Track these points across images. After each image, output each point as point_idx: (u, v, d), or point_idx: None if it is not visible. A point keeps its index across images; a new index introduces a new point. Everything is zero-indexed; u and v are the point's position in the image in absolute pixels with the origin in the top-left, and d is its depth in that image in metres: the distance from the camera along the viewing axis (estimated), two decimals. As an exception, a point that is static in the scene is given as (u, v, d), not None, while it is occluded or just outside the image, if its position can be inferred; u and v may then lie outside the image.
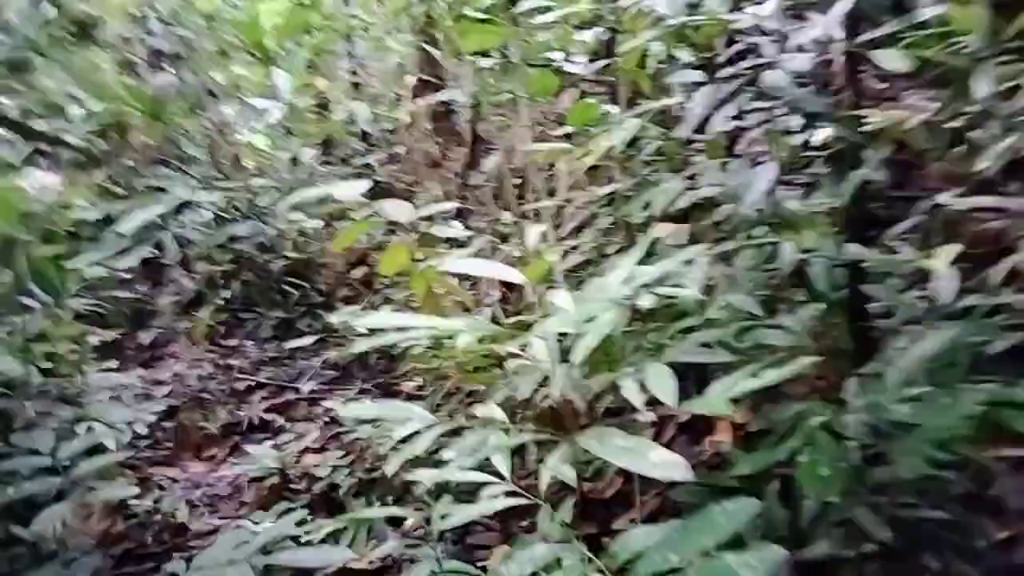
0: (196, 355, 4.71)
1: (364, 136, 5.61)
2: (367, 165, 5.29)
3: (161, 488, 3.04)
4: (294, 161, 5.16)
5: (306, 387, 3.37)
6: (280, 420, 3.52)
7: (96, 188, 4.81)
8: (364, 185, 1.77)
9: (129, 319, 4.97)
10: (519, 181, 2.80)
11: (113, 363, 3.57)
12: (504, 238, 2.78)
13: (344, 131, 5.55)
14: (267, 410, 3.57)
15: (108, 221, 4.43)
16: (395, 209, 1.79)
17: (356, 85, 5.87)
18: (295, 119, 5.42)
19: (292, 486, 2.54)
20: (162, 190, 4.20)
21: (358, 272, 4.17)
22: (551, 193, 2.42)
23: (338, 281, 4.24)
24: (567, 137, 2.35)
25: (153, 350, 5.04)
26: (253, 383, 3.89)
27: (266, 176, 5.12)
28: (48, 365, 2.75)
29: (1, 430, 2.73)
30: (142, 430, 3.10)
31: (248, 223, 4.34)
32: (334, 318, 4.17)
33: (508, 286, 2.50)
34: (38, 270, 3.06)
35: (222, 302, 4.95)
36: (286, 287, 4.52)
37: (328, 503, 2.49)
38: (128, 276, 4.62)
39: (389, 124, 5.65)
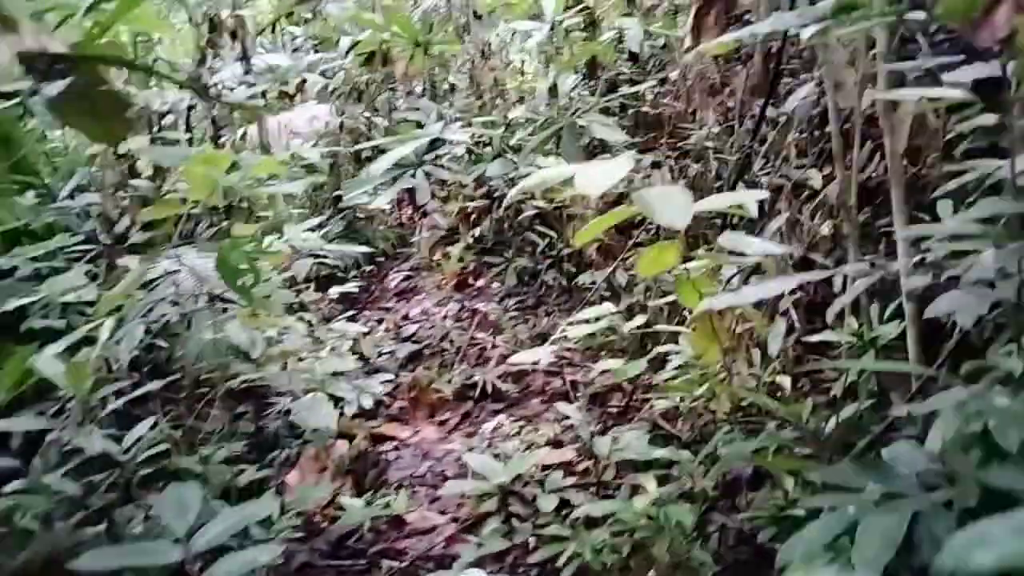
0: (443, 296, 4.59)
1: (633, 58, 4.93)
2: (635, 95, 4.63)
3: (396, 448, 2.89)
4: (552, 90, 4.64)
5: (544, 363, 2.95)
6: (514, 390, 3.17)
7: (362, 119, 4.78)
8: (609, 182, 1.19)
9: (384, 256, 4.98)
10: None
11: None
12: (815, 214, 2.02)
13: (612, 52, 4.89)
14: (502, 376, 3.23)
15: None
16: (664, 200, 1.19)
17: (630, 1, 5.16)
18: (559, 41, 4.89)
19: (515, 511, 2.10)
20: (419, 124, 3.96)
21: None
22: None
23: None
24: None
25: (405, 285, 5.04)
26: (491, 342, 3.59)
27: (525, 105, 4.71)
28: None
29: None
30: (378, 389, 2.91)
31: (499, 161, 3.97)
32: (583, 277, 3.72)
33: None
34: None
35: (471, 241, 4.75)
36: (534, 235, 4.12)
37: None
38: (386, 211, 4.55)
39: (663, 43, 4.91)
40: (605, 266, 3.57)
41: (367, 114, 4.69)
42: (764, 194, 2.05)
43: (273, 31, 5.99)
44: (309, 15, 6.01)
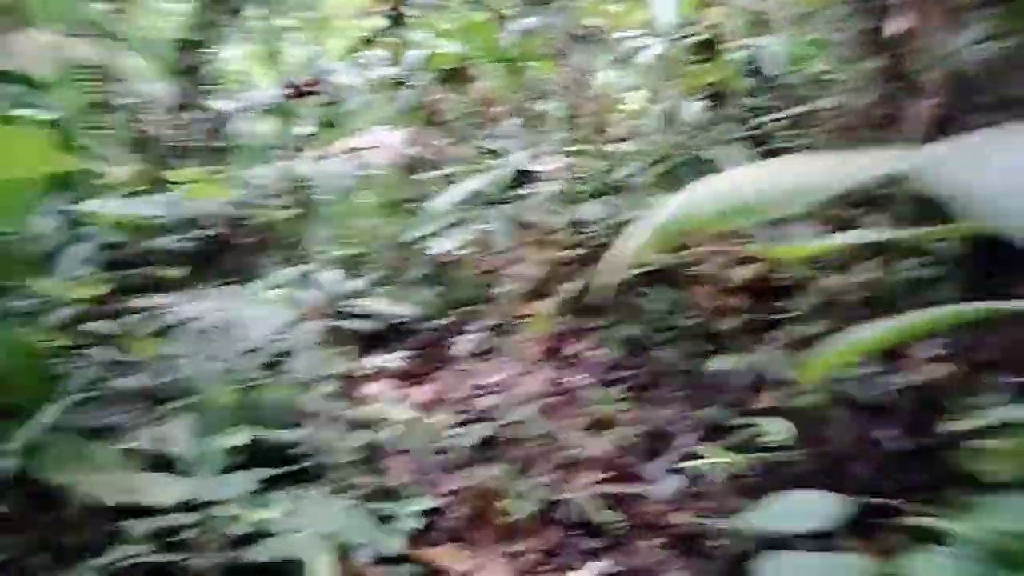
0: (528, 364, 3.74)
1: (765, 82, 4.02)
2: (764, 126, 3.72)
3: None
4: (668, 119, 3.78)
5: (665, 488, 2.02)
6: (618, 522, 2.26)
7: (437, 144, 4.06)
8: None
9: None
10: None
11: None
12: None
13: (739, 76, 4.00)
14: (601, 497, 2.33)
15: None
16: None
17: (762, 17, 4.28)
18: (675, 61, 4.04)
19: None
20: (494, 153, 3.18)
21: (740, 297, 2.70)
22: None
23: (720, 306, 2.81)
24: None
25: (483, 345, 4.23)
26: (585, 441, 2.69)
27: (633, 138, 3.88)
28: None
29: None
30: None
31: (599, 202, 3.14)
32: (717, 361, 2.77)
33: None
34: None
35: (564, 299, 3.90)
36: (646, 297, 3.24)
37: None
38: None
39: (805, 68, 3.99)
40: (743, 343, 2.65)
41: (445, 141, 3.96)
42: None
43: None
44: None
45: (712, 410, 2.48)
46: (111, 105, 3.09)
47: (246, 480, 1.78)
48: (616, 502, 2.30)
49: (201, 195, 2.37)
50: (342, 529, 1.77)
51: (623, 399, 2.98)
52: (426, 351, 4.68)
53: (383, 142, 4.22)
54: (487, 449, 3.04)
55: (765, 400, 2.17)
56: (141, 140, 3.25)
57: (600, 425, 2.82)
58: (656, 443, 2.52)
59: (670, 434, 2.55)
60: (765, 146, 3.83)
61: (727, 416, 2.21)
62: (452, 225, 3.27)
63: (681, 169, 3.05)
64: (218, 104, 3.69)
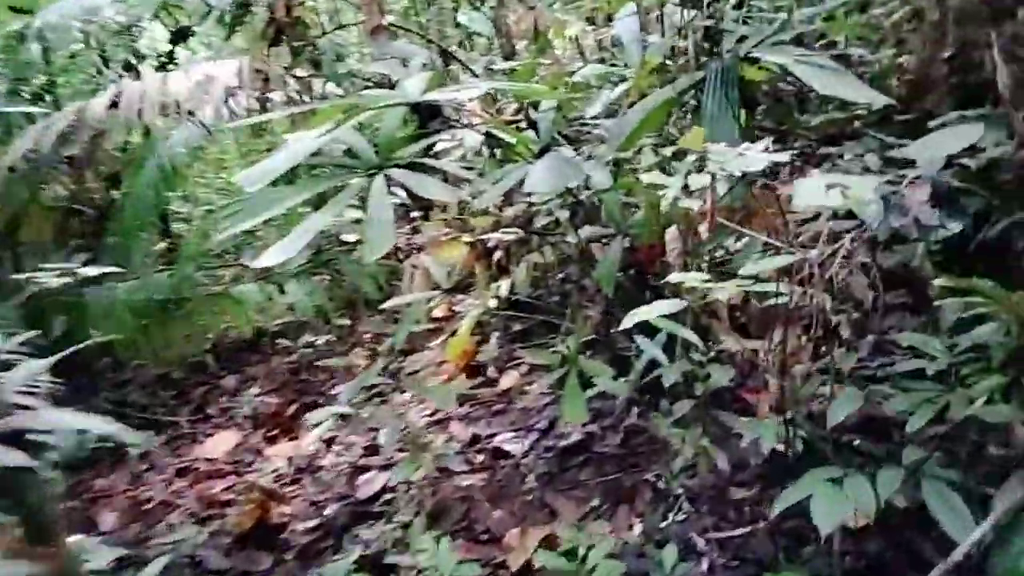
0: (438, 404, 2.44)
1: None
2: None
3: None
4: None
5: None
6: None
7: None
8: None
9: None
10: None
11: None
12: None
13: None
14: None
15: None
16: None
17: None
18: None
19: None
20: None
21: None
22: None
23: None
24: None
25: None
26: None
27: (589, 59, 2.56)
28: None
29: None
30: None
31: (553, 159, 1.83)
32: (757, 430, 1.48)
33: None
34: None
35: (497, 302, 2.62)
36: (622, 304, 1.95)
37: None
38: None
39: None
40: (766, 403, 1.41)
41: (298, 70, 2.54)
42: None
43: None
44: None
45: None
46: None
47: None
48: None
49: None
50: None
51: (582, 464, 1.75)
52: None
53: (213, 76, 2.75)
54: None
55: None
56: None
57: (540, 521, 1.58)
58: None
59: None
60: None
61: None
62: (302, 205, 1.90)
63: (701, 89, 1.74)
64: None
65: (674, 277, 1.18)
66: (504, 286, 2.65)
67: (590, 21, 3.72)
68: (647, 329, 1.99)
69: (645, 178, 1.33)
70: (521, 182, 1.88)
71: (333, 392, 3.06)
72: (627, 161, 2.16)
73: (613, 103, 2.20)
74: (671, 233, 1.62)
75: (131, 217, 3.89)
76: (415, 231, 3.26)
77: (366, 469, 2.38)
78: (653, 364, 1.70)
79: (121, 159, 4.09)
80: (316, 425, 1.99)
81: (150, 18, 4.11)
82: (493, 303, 2.64)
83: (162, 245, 4.72)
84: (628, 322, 1.23)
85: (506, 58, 3.33)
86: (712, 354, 1.56)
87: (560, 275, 2.70)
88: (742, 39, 1.66)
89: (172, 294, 3.71)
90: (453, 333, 2.95)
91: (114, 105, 2.65)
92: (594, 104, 2.21)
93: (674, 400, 1.66)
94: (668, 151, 1.57)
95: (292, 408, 3.14)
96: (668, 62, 1.96)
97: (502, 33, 3.33)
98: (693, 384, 1.56)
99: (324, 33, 2.61)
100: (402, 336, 2.21)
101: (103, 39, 4.08)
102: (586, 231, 2.19)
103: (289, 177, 1.93)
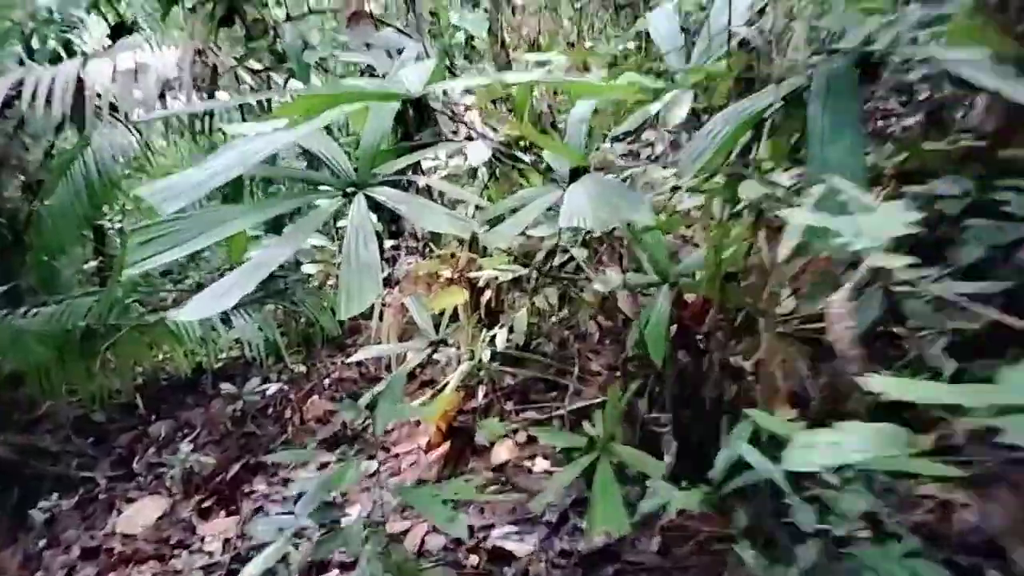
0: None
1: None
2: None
3: None
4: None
5: None
6: None
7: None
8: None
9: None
10: None
11: None
12: None
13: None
14: None
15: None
16: None
17: None
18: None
19: None
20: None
21: None
22: None
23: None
24: None
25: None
26: None
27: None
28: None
29: None
30: None
31: (592, 180, 1.35)
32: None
33: None
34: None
35: (489, 355, 2.13)
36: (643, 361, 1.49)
37: None
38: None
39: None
40: None
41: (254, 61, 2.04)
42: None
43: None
44: None
45: None
46: None
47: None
48: None
49: None
50: None
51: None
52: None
53: (145, 63, 2.23)
54: None
55: None
56: None
57: None
58: None
59: None
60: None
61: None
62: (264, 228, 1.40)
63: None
64: None
65: (875, 383, 0.69)
66: (500, 336, 2.18)
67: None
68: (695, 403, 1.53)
69: (795, 216, 0.87)
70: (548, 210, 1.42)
71: (286, 470, 2.53)
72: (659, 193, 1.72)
73: (652, 116, 1.74)
74: (838, 299, 1.12)
75: (53, 231, 3.33)
76: (387, 261, 2.78)
77: (324, 568, 1.86)
78: (738, 465, 1.23)
79: (46, 165, 3.54)
80: (259, 547, 1.46)
81: (87, 9, 3.58)
82: (486, 355, 2.17)
83: (94, 264, 4.14)
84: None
85: (500, 68, 2.88)
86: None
87: (568, 323, 2.24)
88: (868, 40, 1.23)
89: (97, 321, 3.16)
90: (435, 388, 2.47)
91: (17, 97, 2.12)
92: (628, 118, 1.76)
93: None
94: (782, 178, 1.12)
95: (234, 469, 2.60)
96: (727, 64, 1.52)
97: (498, 39, 2.88)
98: (822, 515, 1.09)
99: (289, 18, 2.12)
100: (380, 428, 1.71)
101: (30, 29, 3.53)
102: (613, 276, 1.74)
103: (231, 191, 1.44)
